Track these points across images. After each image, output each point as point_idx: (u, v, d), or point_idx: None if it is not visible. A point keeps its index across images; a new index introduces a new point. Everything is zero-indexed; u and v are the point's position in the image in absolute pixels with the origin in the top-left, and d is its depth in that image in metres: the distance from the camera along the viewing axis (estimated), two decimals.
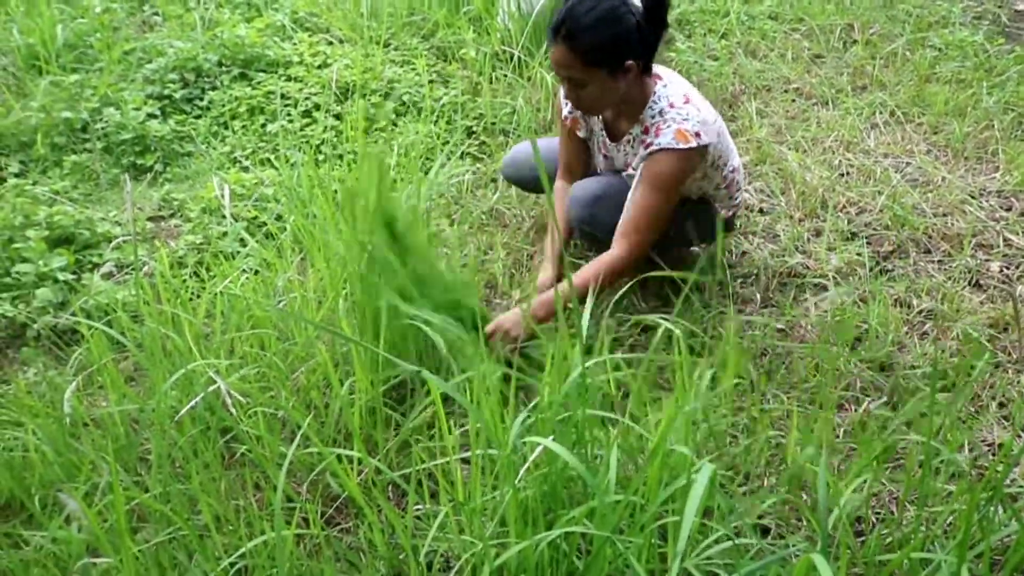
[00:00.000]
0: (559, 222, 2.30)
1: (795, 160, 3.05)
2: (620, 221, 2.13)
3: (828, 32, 4.15)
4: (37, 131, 3.28)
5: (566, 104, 2.29)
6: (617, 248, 2.11)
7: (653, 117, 2.12)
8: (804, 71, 3.81)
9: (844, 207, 2.82)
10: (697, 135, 2.06)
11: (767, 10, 4.40)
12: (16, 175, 3.15)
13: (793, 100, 3.59)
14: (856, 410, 2.01)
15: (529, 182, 2.59)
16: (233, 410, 1.78)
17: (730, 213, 2.39)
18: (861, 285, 2.45)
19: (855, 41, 4.09)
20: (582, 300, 1.90)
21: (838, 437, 1.94)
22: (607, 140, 2.29)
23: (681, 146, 2.05)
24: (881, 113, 3.42)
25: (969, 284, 2.48)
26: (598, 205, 2.23)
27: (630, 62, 2.02)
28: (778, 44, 4.07)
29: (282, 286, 2.33)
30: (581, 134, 2.35)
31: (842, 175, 3.01)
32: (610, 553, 1.36)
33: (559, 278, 2.23)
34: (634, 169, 2.19)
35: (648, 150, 2.09)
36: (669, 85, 2.14)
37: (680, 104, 2.10)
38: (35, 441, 1.91)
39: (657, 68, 2.16)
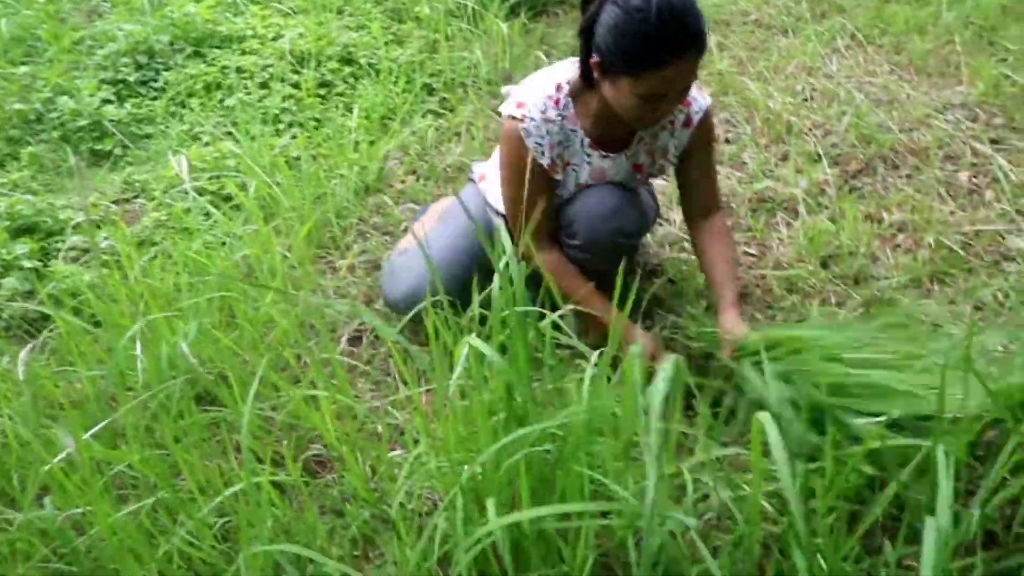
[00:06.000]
0: (572, 288, 1.81)
1: (758, 89, 3.03)
2: (705, 194, 1.95)
3: None
4: None
5: (540, 153, 1.85)
6: (723, 214, 1.98)
7: None
8: (762, 2, 3.78)
9: (809, 130, 2.80)
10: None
11: None
12: None
13: (752, 32, 3.56)
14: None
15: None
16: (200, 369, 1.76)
17: None
18: (831, 204, 2.45)
19: None
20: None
21: None
22: (598, 158, 1.91)
23: (709, 97, 1.95)
24: (842, 37, 3.40)
25: (939, 195, 2.48)
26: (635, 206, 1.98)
27: None
28: None
29: (250, 254, 2.30)
30: (558, 176, 1.93)
31: (806, 100, 2.99)
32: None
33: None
34: (675, 154, 1.95)
35: (695, 124, 1.89)
36: None
37: None
38: (11, 425, 1.88)
39: None
